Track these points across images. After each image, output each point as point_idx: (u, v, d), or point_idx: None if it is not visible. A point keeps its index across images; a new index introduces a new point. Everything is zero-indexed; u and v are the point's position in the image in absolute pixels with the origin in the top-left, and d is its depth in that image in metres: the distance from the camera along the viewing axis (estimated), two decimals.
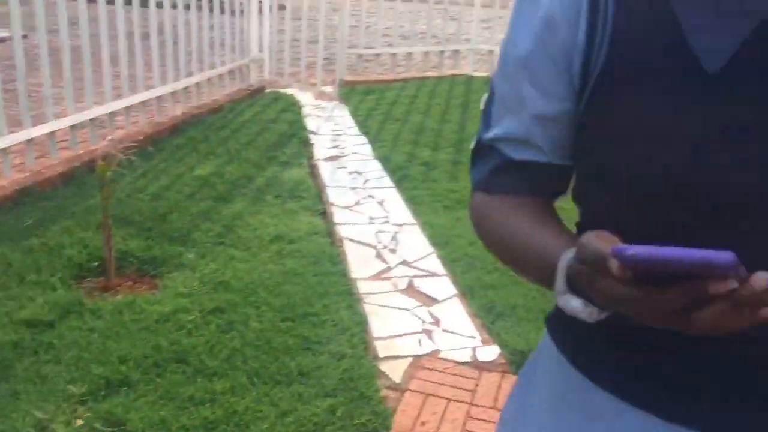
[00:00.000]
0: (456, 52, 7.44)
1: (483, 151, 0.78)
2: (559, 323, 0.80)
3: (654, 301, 0.50)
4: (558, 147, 0.73)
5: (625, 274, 0.49)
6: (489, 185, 0.77)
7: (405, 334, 2.60)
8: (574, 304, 0.60)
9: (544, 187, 0.76)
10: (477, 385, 2.31)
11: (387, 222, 3.63)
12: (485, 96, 0.79)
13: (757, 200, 0.58)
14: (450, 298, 2.89)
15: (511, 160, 0.75)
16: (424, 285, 2.97)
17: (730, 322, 0.48)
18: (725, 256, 0.45)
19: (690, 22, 0.61)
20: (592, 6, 0.66)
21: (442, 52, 7.35)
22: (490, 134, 0.76)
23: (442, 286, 2.97)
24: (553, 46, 0.69)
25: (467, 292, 2.89)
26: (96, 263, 2.86)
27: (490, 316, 2.70)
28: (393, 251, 3.30)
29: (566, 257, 0.61)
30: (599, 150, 0.66)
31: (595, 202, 0.72)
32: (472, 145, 0.81)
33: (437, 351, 2.51)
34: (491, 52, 7.39)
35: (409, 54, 7.19)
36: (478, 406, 2.21)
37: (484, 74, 7.23)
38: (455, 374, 2.36)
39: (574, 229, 0.75)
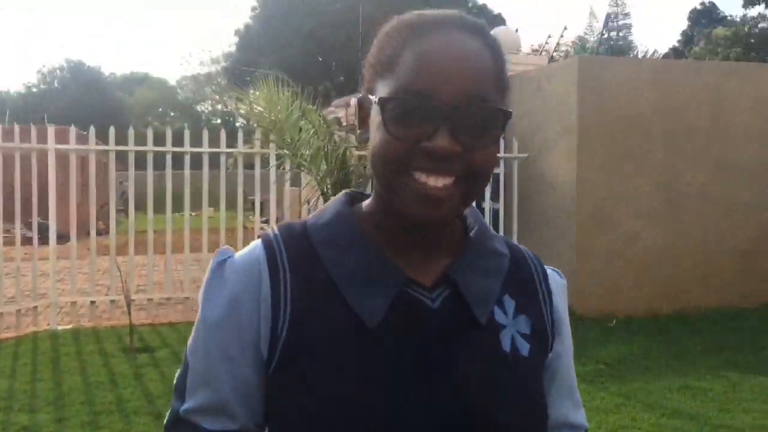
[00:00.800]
0: (34, 308, 6.90)
1: (178, 424, 0.80)
2: None
3: None
4: (255, 413, 0.79)
5: None
6: None
7: None
8: None
9: None
10: None
11: None
12: (179, 371, 0.83)
13: None
14: None
15: (205, 431, 0.78)
16: None
17: None
18: None
19: (351, 294, 0.77)
20: (273, 286, 0.78)
21: (18, 310, 6.75)
22: (185, 406, 0.79)
23: None
24: (240, 321, 0.78)
25: None
26: None
27: None
28: None
29: None
30: (280, 420, 0.76)
31: None
32: (165, 420, 0.82)
33: None
34: (73, 303, 7.06)
35: None
36: None
37: (69, 326, 6.82)
38: None
39: None
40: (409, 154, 0.74)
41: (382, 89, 0.77)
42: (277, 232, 0.83)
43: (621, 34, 32.05)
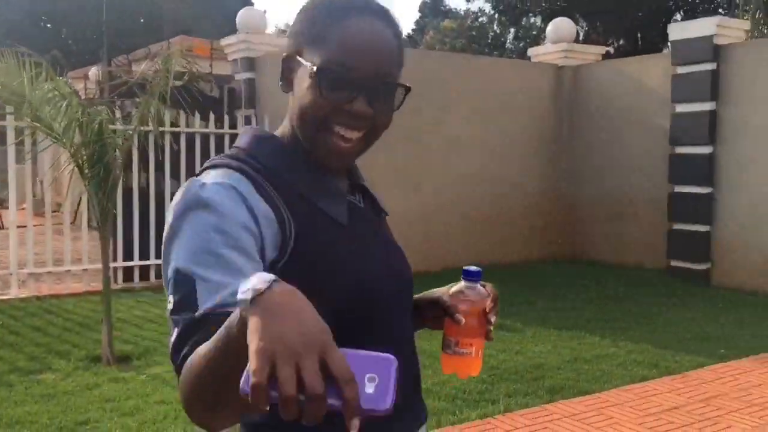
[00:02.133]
0: None
1: (190, 329, 0.83)
2: None
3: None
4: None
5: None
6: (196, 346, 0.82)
7: None
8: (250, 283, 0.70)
9: None
10: None
11: None
12: (170, 298, 0.88)
13: (393, 301, 1.05)
14: None
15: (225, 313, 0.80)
16: None
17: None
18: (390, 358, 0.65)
19: (323, 204, 1.02)
20: (271, 205, 0.96)
21: None
22: (203, 309, 0.84)
23: None
24: (251, 233, 0.92)
25: None
26: None
27: None
28: None
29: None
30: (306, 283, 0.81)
31: None
32: (172, 340, 0.85)
33: None
34: None
35: None
36: None
37: None
38: None
39: None
40: (333, 113, 0.98)
41: (312, 56, 0.98)
42: (241, 164, 0.99)
43: None
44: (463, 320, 1.03)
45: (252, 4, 24.59)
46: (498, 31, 28.41)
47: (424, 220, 8.19)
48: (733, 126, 7.45)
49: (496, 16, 26.69)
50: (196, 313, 0.84)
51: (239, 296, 0.69)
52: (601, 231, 8.89)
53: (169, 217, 0.94)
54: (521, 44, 25.99)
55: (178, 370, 0.83)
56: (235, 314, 0.71)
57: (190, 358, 0.80)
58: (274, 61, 6.96)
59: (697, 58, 7.61)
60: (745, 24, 8.44)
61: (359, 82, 0.97)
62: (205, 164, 1.02)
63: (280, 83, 1.05)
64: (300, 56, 1.00)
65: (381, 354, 0.66)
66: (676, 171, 7.87)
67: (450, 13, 31.18)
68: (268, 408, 0.63)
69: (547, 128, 9.21)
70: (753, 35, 10.41)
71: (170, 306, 0.88)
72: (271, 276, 0.70)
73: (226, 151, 1.13)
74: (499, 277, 7.78)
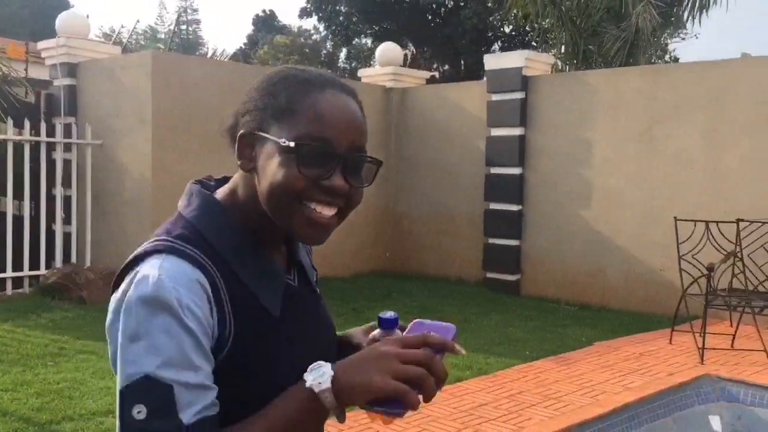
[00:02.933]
0: None
1: None
2: None
3: (434, 362, 0.88)
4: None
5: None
6: None
7: None
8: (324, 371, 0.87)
9: None
10: None
11: None
12: (138, 407, 0.85)
13: None
14: None
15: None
16: None
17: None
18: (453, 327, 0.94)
19: (259, 291, 0.98)
20: (216, 301, 0.93)
21: None
22: (188, 417, 0.86)
23: None
24: (205, 335, 0.91)
25: None
26: None
27: None
28: None
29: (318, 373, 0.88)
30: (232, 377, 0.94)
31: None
32: None
33: None
34: None
35: None
36: None
37: None
38: None
39: None
40: (310, 189, 0.94)
41: (280, 132, 0.95)
42: (193, 249, 0.95)
43: (191, 28, 32.95)
44: None
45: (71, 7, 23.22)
46: (330, 50, 28.96)
47: None
48: (539, 149, 8.23)
49: (329, 35, 27.22)
50: (185, 419, 0.85)
51: (317, 390, 0.87)
52: (427, 245, 9.39)
53: (127, 315, 0.89)
54: (353, 63, 26.70)
55: None
56: (304, 401, 0.88)
57: None
58: (98, 68, 6.80)
59: (508, 87, 8.33)
60: (551, 59, 9.36)
61: (337, 157, 0.94)
62: (151, 245, 0.96)
63: (239, 162, 1.00)
64: (263, 132, 0.97)
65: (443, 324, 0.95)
66: (491, 190, 8.54)
67: (284, 29, 31.33)
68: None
69: (377, 147, 9.60)
70: (557, 69, 11.55)
71: (140, 416, 0.84)
72: (322, 363, 0.89)
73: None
74: (329, 287, 8.01)
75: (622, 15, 10.30)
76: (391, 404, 0.86)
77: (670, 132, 7.25)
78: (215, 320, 0.92)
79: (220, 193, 1.04)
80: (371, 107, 9.54)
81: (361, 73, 10.55)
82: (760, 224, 6.17)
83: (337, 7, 23.71)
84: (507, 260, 8.39)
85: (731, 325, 6.07)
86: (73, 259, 7.68)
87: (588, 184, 7.86)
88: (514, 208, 8.35)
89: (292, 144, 0.93)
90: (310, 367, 0.88)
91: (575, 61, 11.21)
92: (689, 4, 10.92)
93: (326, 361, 0.98)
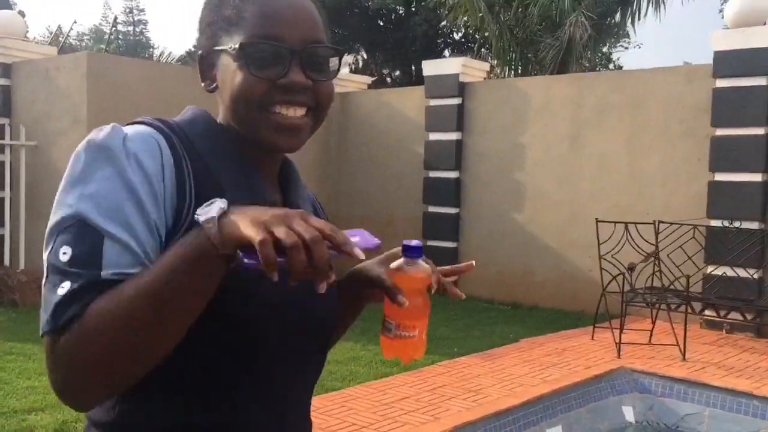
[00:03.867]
0: None
1: (90, 288, 0.78)
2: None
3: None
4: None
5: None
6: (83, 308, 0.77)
7: None
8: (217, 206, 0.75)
9: None
10: None
11: None
12: (65, 248, 0.80)
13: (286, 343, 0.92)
14: None
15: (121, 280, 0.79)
16: None
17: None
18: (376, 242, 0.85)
19: (235, 199, 0.83)
20: (177, 169, 0.87)
21: None
22: (112, 270, 0.79)
23: None
24: (151, 195, 0.83)
25: None
26: None
27: None
28: None
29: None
30: None
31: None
32: (58, 294, 0.78)
33: None
34: None
35: None
36: None
37: None
38: None
39: None
40: (269, 92, 0.89)
41: (230, 41, 0.90)
42: (160, 124, 0.90)
43: (138, 29, 32.48)
44: (407, 303, 0.92)
45: (10, 7, 22.69)
46: None
47: None
48: (475, 153, 8.46)
49: None
50: (103, 273, 0.79)
51: (202, 218, 0.74)
52: None
53: (75, 159, 0.85)
54: None
55: (59, 329, 0.77)
56: (193, 237, 0.75)
57: (103, 307, 0.75)
58: (32, 69, 6.76)
59: (445, 93, 8.55)
60: (486, 65, 9.62)
61: (289, 53, 0.89)
62: (132, 122, 0.92)
63: (203, 84, 0.98)
64: (216, 46, 0.94)
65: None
66: (429, 193, 8.73)
67: None
68: (276, 274, 0.70)
69: (320, 151, 9.71)
70: (498, 76, 11.86)
71: (65, 257, 0.79)
72: (217, 199, 0.76)
73: None
74: None
75: (557, 25, 10.66)
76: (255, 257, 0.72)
77: (594, 137, 7.55)
78: (171, 185, 0.86)
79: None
80: None
81: None
82: (678, 225, 6.50)
83: None
84: (445, 262, 8.33)
85: (652, 322, 6.36)
86: (6, 261, 7.58)
87: (520, 187, 8.11)
88: (452, 210, 8.55)
89: (237, 46, 0.89)
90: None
91: (513, 68, 11.52)
92: (622, 16, 11.36)
93: (308, 317, 0.95)
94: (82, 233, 0.79)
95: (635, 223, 6.01)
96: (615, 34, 11.88)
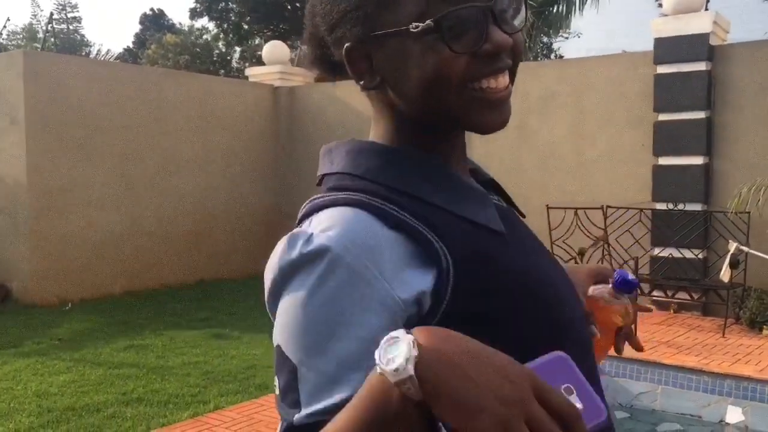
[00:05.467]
0: None
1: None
2: None
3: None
4: None
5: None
6: None
7: None
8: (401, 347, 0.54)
9: None
10: None
11: None
12: (277, 380, 0.69)
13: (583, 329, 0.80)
14: None
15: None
16: None
17: None
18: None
19: (470, 212, 0.76)
20: (426, 251, 0.70)
21: None
22: (306, 411, 0.65)
23: None
24: (388, 309, 0.67)
25: None
26: None
27: None
28: None
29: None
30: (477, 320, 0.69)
31: None
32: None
33: None
34: None
35: None
36: None
37: None
38: None
39: None
40: (471, 66, 0.72)
41: (401, 17, 0.72)
42: (388, 203, 0.73)
43: (72, 27, 31.55)
44: (598, 335, 0.85)
45: None
46: (224, 50, 28.51)
47: (145, 237, 8.05)
48: None
49: (221, 35, 26.78)
50: (296, 419, 0.65)
51: (389, 371, 0.53)
52: None
53: (281, 279, 0.70)
54: (247, 64, 26.41)
55: None
56: (384, 400, 0.55)
57: None
58: None
59: None
60: None
61: (482, 11, 0.72)
62: (312, 205, 0.75)
63: (361, 83, 0.78)
64: (376, 31, 0.74)
65: (552, 356, 0.59)
66: None
67: (173, 28, 30.54)
68: None
69: (267, 145, 9.60)
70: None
71: (276, 390, 0.70)
72: (399, 331, 0.55)
73: None
74: (228, 287, 7.97)
75: None
76: None
77: (540, 125, 7.66)
78: (419, 273, 0.69)
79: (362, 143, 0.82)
80: (259, 106, 9.53)
81: (249, 71, 10.50)
82: (624, 210, 6.65)
83: (229, 5, 23.39)
84: None
85: None
86: None
87: None
88: None
89: (430, 22, 0.70)
90: (383, 339, 0.56)
91: None
92: (563, 4, 11.53)
93: (572, 297, 0.81)
94: (282, 362, 0.70)
95: (584, 208, 6.13)
96: (556, 23, 12.02)
